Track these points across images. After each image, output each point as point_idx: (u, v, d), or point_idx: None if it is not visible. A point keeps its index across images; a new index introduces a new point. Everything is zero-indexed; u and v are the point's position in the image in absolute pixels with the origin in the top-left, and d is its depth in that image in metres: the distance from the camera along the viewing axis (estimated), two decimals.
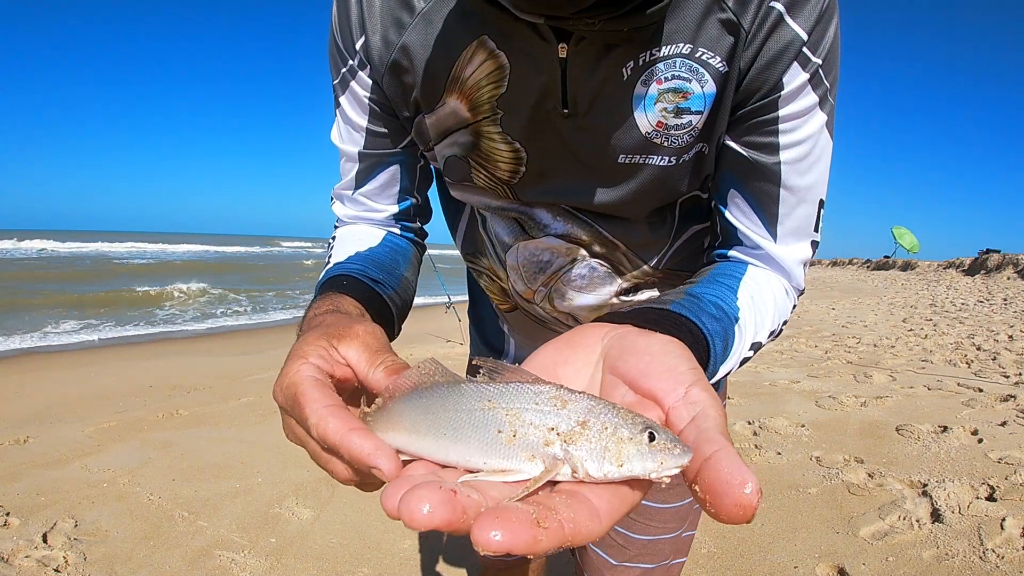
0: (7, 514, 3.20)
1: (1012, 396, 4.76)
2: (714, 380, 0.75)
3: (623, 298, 1.10)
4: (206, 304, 15.24)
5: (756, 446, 3.97)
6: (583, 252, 1.06)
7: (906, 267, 29.77)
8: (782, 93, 0.85)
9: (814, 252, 0.96)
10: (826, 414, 4.63)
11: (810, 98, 0.86)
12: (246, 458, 4.04)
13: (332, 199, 1.14)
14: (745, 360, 0.86)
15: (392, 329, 0.94)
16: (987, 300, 13.81)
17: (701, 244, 1.09)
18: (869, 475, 3.40)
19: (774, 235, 0.92)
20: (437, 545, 2.96)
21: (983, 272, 22.12)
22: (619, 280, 1.09)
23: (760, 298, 0.89)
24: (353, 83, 0.99)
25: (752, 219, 0.93)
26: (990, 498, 3.03)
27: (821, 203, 0.93)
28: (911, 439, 3.91)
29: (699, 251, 1.09)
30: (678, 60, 0.84)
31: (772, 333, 0.91)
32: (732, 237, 0.96)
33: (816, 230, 0.94)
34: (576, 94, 0.87)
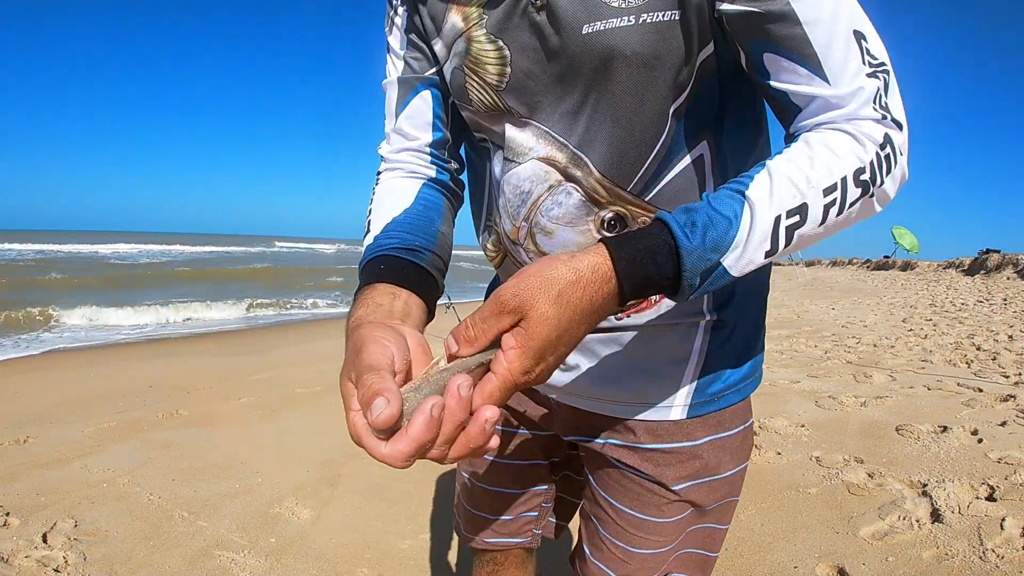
0: (7, 514, 3.20)
1: (1012, 396, 4.75)
2: (727, 256, 0.78)
3: (604, 232, 0.99)
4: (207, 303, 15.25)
5: (756, 446, 3.97)
6: (559, 177, 0.99)
7: (906, 267, 29.74)
8: None
9: (884, 83, 0.86)
10: (826, 414, 4.63)
11: None
12: (246, 458, 4.04)
13: (380, 145, 1.18)
14: (813, 216, 0.81)
15: (435, 291, 0.99)
16: (987, 300, 13.80)
17: (702, 180, 1.00)
18: (869, 475, 3.40)
19: (824, 77, 0.85)
20: (438, 545, 2.96)
21: (983, 272, 22.10)
22: (596, 210, 0.99)
23: (790, 161, 0.83)
24: (395, 18, 1.11)
25: (796, 72, 0.86)
26: (990, 498, 3.03)
27: (859, 35, 0.85)
28: (911, 439, 3.91)
29: (688, 182, 0.99)
30: None
31: (845, 181, 0.82)
32: (790, 108, 0.89)
33: (865, 62, 0.85)
34: None
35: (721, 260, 0.78)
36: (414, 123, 1.12)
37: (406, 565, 2.79)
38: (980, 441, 3.78)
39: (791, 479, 3.46)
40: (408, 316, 0.88)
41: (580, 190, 0.98)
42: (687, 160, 0.97)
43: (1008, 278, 19.67)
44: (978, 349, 7.30)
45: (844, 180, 0.81)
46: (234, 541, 2.98)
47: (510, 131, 1.01)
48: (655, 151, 0.95)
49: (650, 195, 0.97)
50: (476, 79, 1.01)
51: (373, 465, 3.90)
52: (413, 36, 1.09)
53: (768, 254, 0.80)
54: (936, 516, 2.88)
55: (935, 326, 9.55)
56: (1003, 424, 4.09)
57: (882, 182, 0.84)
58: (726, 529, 1.22)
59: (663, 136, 0.94)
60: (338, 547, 2.94)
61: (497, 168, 1.06)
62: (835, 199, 0.81)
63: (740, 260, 0.79)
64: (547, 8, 0.90)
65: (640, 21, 0.87)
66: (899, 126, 0.85)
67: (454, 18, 1.00)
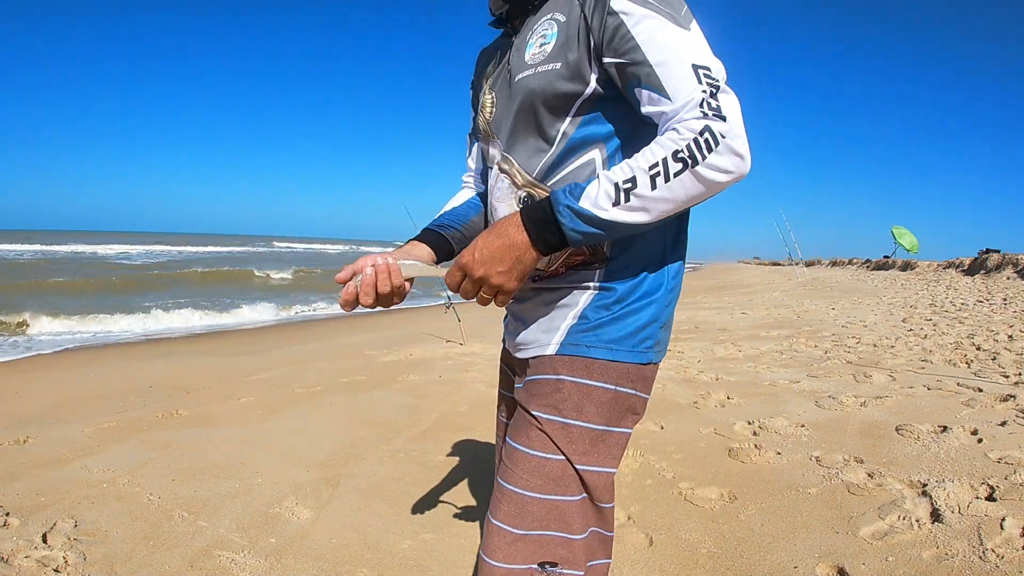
0: (7, 514, 3.20)
1: (1012, 396, 4.75)
2: (588, 203, 1.19)
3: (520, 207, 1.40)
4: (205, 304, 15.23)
5: (756, 446, 3.97)
6: (499, 172, 1.49)
7: (906, 267, 29.75)
8: (612, 10, 1.24)
9: (712, 92, 1.18)
10: (826, 414, 4.63)
11: (637, 8, 1.23)
12: (246, 458, 4.04)
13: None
14: (634, 180, 1.17)
15: (447, 248, 1.60)
16: (987, 300, 13.80)
17: (585, 170, 1.36)
18: (869, 475, 3.40)
19: (668, 97, 1.20)
20: (438, 545, 2.96)
21: (983, 272, 22.10)
22: (516, 191, 1.43)
23: (633, 157, 1.20)
24: (470, 91, 1.74)
25: (653, 98, 1.23)
26: (990, 498, 3.03)
27: (695, 66, 1.19)
28: (911, 439, 3.91)
29: (582, 174, 1.36)
30: (544, 20, 1.38)
31: (666, 160, 1.16)
32: (655, 123, 1.25)
33: (701, 82, 1.18)
34: (512, 58, 1.44)
35: (579, 203, 1.18)
36: (474, 160, 1.79)
37: (406, 565, 2.79)
38: (980, 441, 3.78)
39: (791, 479, 3.46)
40: (406, 252, 1.51)
41: (509, 179, 1.45)
42: (579, 161, 1.35)
43: (1008, 278, 19.67)
44: (978, 349, 7.29)
45: (664, 159, 1.15)
46: (234, 541, 2.97)
47: (491, 150, 1.54)
48: (549, 154, 1.37)
49: (550, 182, 1.38)
50: (481, 117, 1.56)
51: (373, 465, 3.90)
52: (474, 102, 1.69)
53: (614, 203, 1.17)
54: (936, 516, 2.88)
55: (935, 326, 9.55)
56: (1003, 424, 4.09)
57: (704, 157, 1.14)
58: (602, 509, 1.40)
59: (554, 144, 1.37)
60: (338, 547, 2.94)
61: (488, 175, 1.58)
62: (658, 171, 1.15)
63: (595, 204, 1.17)
64: (512, 71, 1.43)
65: (536, 71, 1.35)
66: (723, 118, 1.15)
67: (485, 86, 1.56)
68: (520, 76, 1.38)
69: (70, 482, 3.66)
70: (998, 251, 23.82)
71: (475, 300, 1.29)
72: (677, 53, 1.21)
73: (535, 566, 1.31)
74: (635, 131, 1.33)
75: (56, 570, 2.70)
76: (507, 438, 1.44)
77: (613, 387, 1.37)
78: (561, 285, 1.41)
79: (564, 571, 1.33)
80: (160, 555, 2.85)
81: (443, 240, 1.60)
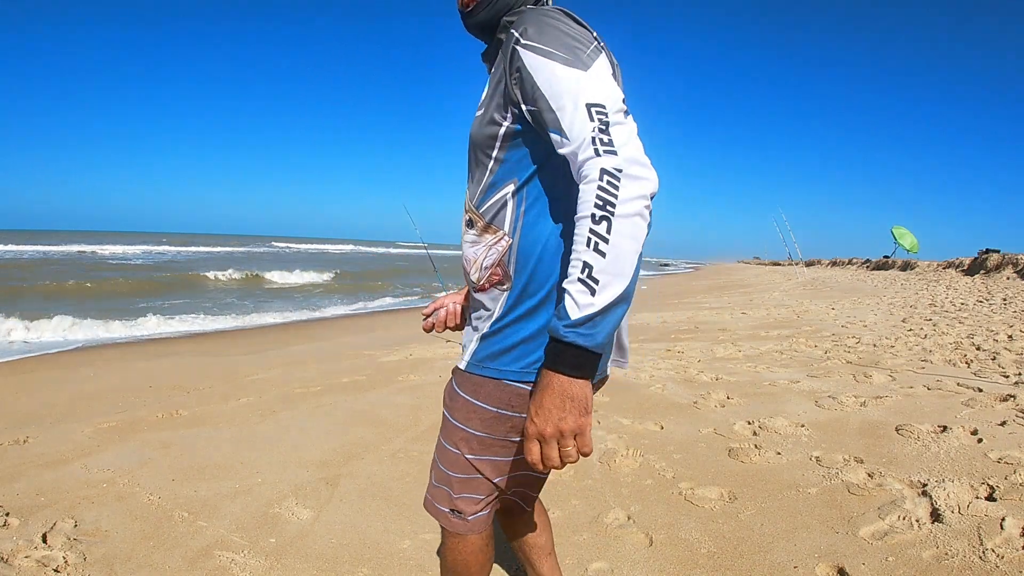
0: (7, 514, 3.20)
1: (1012, 396, 4.75)
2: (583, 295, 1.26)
3: (466, 228, 1.62)
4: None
5: (756, 446, 3.97)
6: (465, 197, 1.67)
7: (906, 267, 29.77)
8: (521, 65, 1.39)
9: (603, 127, 1.29)
10: (826, 414, 4.63)
11: (539, 60, 1.36)
12: (246, 458, 4.04)
13: None
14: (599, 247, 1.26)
15: None
16: (987, 300, 13.80)
17: (508, 203, 1.53)
18: (869, 475, 3.40)
19: (568, 138, 1.31)
20: (437, 545, 2.95)
21: (983, 272, 22.11)
22: (464, 213, 1.63)
23: (573, 244, 1.30)
24: None
25: (560, 139, 1.34)
26: (990, 498, 3.03)
27: (589, 105, 1.31)
28: (911, 439, 3.92)
29: (495, 208, 1.54)
30: (490, 73, 1.60)
31: (592, 229, 1.24)
32: (568, 161, 1.35)
33: (593, 119, 1.29)
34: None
35: (572, 318, 1.25)
36: None
37: (407, 565, 2.79)
38: (980, 441, 3.78)
39: (791, 479, 3.46)
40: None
41: (465, 200, 1.64)
42: (505, 191, 1.51)
43: (1008, 278, 19.69)
44: (978, 349, 7.30)
45: (591, 229, 1.24)
46: (234, 541, 2.97)
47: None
48: (483, 184, 1.55)
49: (482, 209, 1.55)
50: None
51: (373, 465, 3.90)
52: None
53: (592, 293, 1.24)
54: (936, 516, 2.88)
55: (935, 326, 9.55)
56: (1003, 424, 4.09)
57: (615, 200, 1.23)
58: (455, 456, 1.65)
59: (486, 176, 1.54)
60: (338, 547, 2.94)
61: None
62: (595, 242, 1.23)
63: (582, 308, 1.24)
64: None
65: (475, 116, 1.57)
66: (614, 152, 1.26)
67: None
68: (472, 121, 1.60)
69: (70, 482, 3.66)
70: (998, 251, 23.83)
71: (569, 462, 1.35)
72: (573, 95, 1.32)
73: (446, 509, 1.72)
74: (548, 159, 1.48)
75: (56, 570, 2.70)
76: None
77: (496, 410, 1.55)
78: (482, 299, 1.59)
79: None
80: (160, 555, 2.85)
81: None
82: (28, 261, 31.27)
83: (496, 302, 1.53)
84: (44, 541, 2.94)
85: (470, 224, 1.59)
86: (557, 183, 1.49)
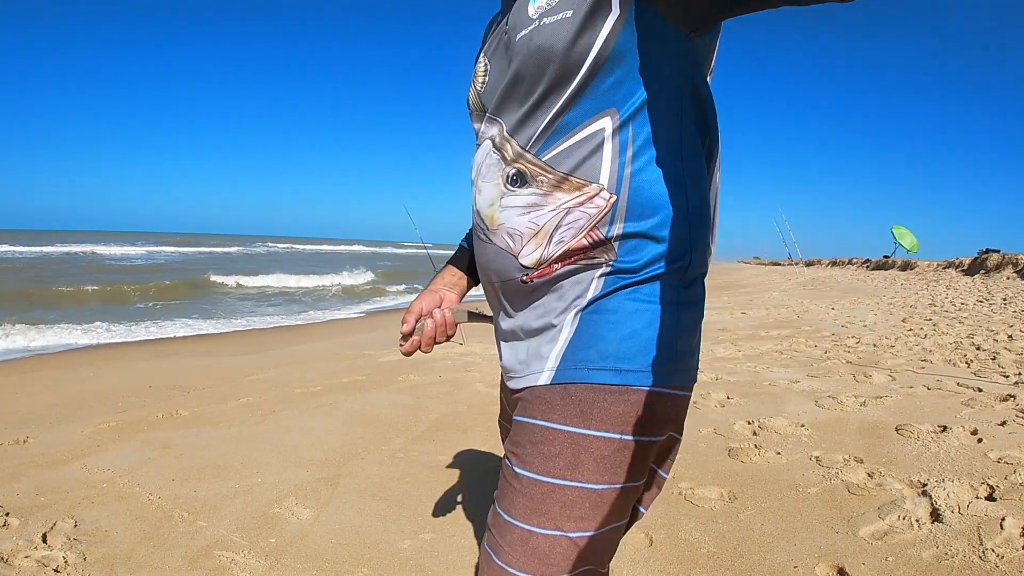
0: (7, 514, 3.20)
1: (1012, 396, 4.75)
2: None
3: (509, 187, 1.18)
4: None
5: (756, 446, 3.97)
6: (489, 146, 1.24)
7: (906, 267, 29.75)
8: None
9: None
10: (826, 414, 4.63)
11: None
12: (246, 458, 4.04)
13: None
14: None
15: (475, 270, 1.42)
16: (987, 300, 13.80)
17: (599, 151, 1.12)
18: (869, 475, 3.40)
19: None
20: (438, 545, 2.96)
21: (983, 272, 22.10)
22: (505, 167, 1.19)
23: None
24: None
25: None
26: (990, 498, 3.03)
27: None
28: (911, 439, 3.92)
29: (586, 147, 1.12)
30: None
31: None
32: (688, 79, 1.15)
33: None
34: (512, 18, 1.21)
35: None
36: None
37: (406, 565, 2.79)
38: (980, 441, 3.78)
39: (791, 479, 3.46)
40: (453, 286, 1.50)
41: (497, 151, 1.21)
42: (596, 127, 1.11)
43: (1008, 278, 19.69)
44: (978, 349, 7.30)
45: None
46: (234, 541, 2.97)
47: (481, 126, 1.29)
48: (548, 120, 1.13)
49: (546, 157, 1.14)
50: (472, 88, 1.34)
51: (373, 465, 3.90)
52: None
53: None
54: (936, 516, 2.88)
55: (935, 326, 9.55)
56: (1003, 424, 4.09)
57: None
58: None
59: (557, 108, 1.12)
60: (338, 547, 2.94)
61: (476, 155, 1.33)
62: None
63: None
64: (509, 31, 1.21)
65: (541, 24, 1.12)
66: None
67: (481, 54, 1.34)
68: (521, 34, 1.16)
69: (70, 482, 3.66)
70: (998, 251, 23.83)
71: None
72: None
73: None
74: (659, 107, 1.12)
75: (56, 570, 2.70)
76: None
77: (618, 436, 1.10)
78: (546, 293, 1.19)
79: None
80: (160, 555, 2.85)
81: (472, 262, 1.44)
82: (28, 262, 31.23)
83: (592, 278, 1.13)
84: (44, 541, 2.94)
85: (519, 180, 1.17)
86: (681, 111, 1.14)
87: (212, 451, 4.20)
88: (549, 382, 1.14)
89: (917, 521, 2.86)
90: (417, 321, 1.42)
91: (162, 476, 3.75)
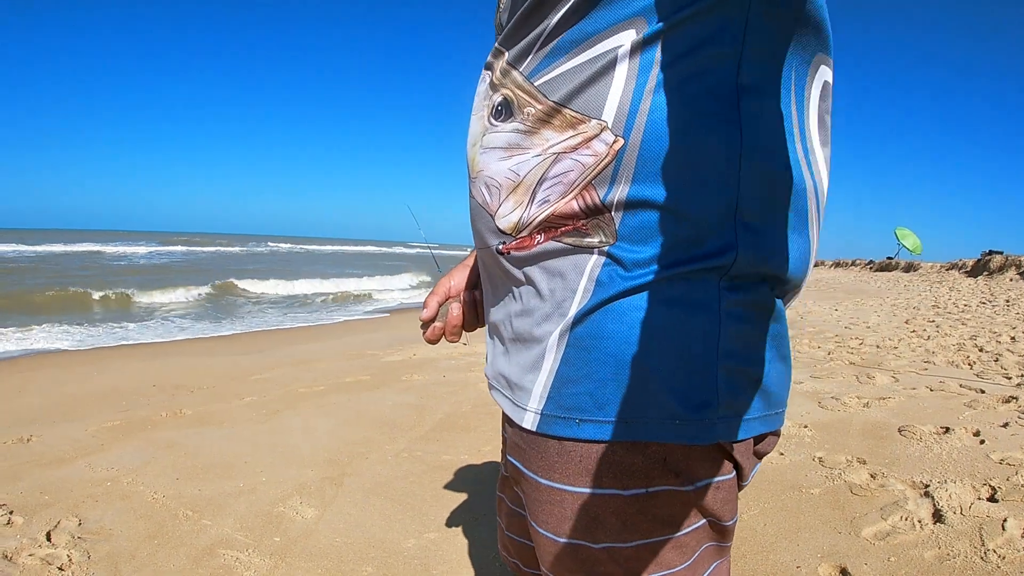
0: (11, 513, 3.21)
1: (1014, 398, 4.75)
2: None
3: (492, 121, 0.88)
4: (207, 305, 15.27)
5: None
6: (487, 72, 0.92)
7: (909, 268, 29.76)
8: None
9: None
10: (829, 415, 4.63)
11: None
12: (250, 457, 4.05)
13: None
14: None
15: None
16: (990, 302, 13.80)
17: (608, 78, 0.77)
18: (871, 476, 3.41)
19: None
20: (442, 544, 2.96)
21: (986, 274, 22.11)
22: (492, 94, 0.88)
23: None
24: None
25: None
26: (992, 499, 3.03)
27: None
28: (913, 440, 3.92)
29: (582, 76, 0.78)
30: None
31: None
32: None
33: None
34: None
35: None
36: None
37: (411, 564, 2.80)
38: (982, 442, 3.78)
39: (794, 479, 3.46)
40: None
41: (490, 74, 0.90)
42: (593, 50, 0.77)
43: (1011, 279, 19.69)
44: (980, 350, 7.29)
45: None
46: (238, 540, 2.98)
47: (488, 58, 0.93)
48: (547, 31, 0.80)
49: (540, 80, 0.81)
50: (496, 17, 0.97)
51: (377, 464, 3.91)
52: None
53: None
54: (938, 516, 2.89)
55: (938, 327, 9.54)
56: (1005, 425, 4.09)
57: None
58: None
59: (559, 15, 0.78)
60: (342, 546, 2.94)
61: None
62: None
63: None
64: None
65: None
66: None
67: None
68: None
69: (74, 481, 3.67)
70: (1001, 253, 23.83)
71: None
72: None
73: None
74: (703, 17, 0.73)
75: (60, 568, 2.71)
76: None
77: (642, 490, 0.82)
78: (533, 272, 0.86)
79: None
80: (164, 554, 2.86)
81: None
82: (34, 262, 31.26)
83: (580, 272, 0.81)
84: (48, 539, 2.95)
85: (503, 111, 0.86)
86: (747, 24, 0.74)
87: (216, 450, 4.20)
88: (535, 428, 0.86)
89: (919, 522, 2.87)
90: (441, 305, 1.14)
91: (166, 475, 3.76)
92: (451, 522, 3.19)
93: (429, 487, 3.58)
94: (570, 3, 0.77)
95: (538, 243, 0.83)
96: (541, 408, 0.84)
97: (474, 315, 1.13)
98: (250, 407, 5.34)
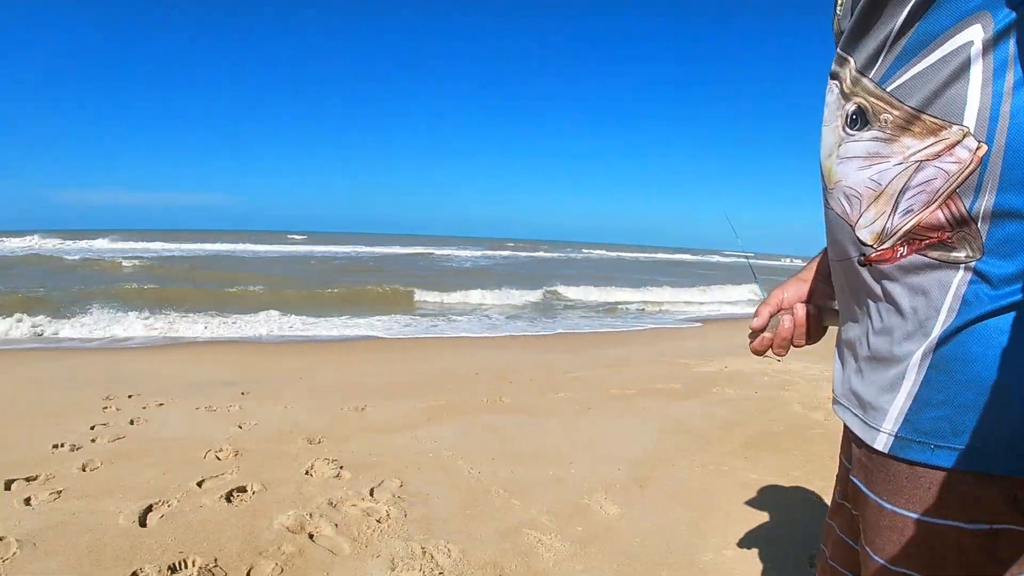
0: (340, 467, 3.55)
1: None
2: None
3: (847, 131, 0.85)
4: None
5: None
6: (829, 80, 0.91)
7: None
8: None
9: None
10: None
11: None
12: (561, 449, 4.13)
13: None
14: None
15: None
16: None
17: (949, 64, 0.74)
18: None
19: None
20: (738, 565, 2.79)
21: None
22: (844, 103, 0.86)
23: None
24: None
25: None
26: None
27: None
28: None
29: (937, 80, 0.75)
30: None
31: None
32: None
33: None
34: None
35: None
36: None
37: None
38: None
39: None
40: (822, 273, 1.13)
41: (838, 87, 0.88)
42: (942, 50, 0.74)
43: None
44: None
45: None
46: (543, 523, 3.03)
47: (832, 67, 0.92)
48: (893, 34, 0.78)
49: (892, 85, 0.79)
50: (835, 23, 0.94)
51: (683, 473, 3.81)
52: None
53: None
54: None
55: None
56: None
57: None
58: None
59: (902, 16, 0.77)
60: (640, 547, 2.88)
61: None
62: None
63: None
64: None
65: None
66: None
67: None
68: None
69: (400, 448, 3.96)
70: None
71: None
72: None
73: None
74: None
75: (378, 521, 2.94)
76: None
77: (989, 525, 0.77)
78: (893, 288, 0.83)
79: None
80: (475, 524, 2.98)
81: None
82: (373, 261, 34.28)
83: (945, 290, 0.77)
84: (371, 495, 3.23)
85: (859, 119, 0.84)
86: None
87: (530, 438, 4.34)
88: (887, 450, 0.83)
89: None
90: (773, 316, 1.12)
91: (483, 454, 3.95)
92: (750, 543, 3.01)
93: (734, 504, 3.42)
94: (909, 6, 0.75)
95: (901, 256, 0.80)
96: (896, 430, 0.82)
97: (801, 333, 1.10)
98: (564, 402, 5.46)
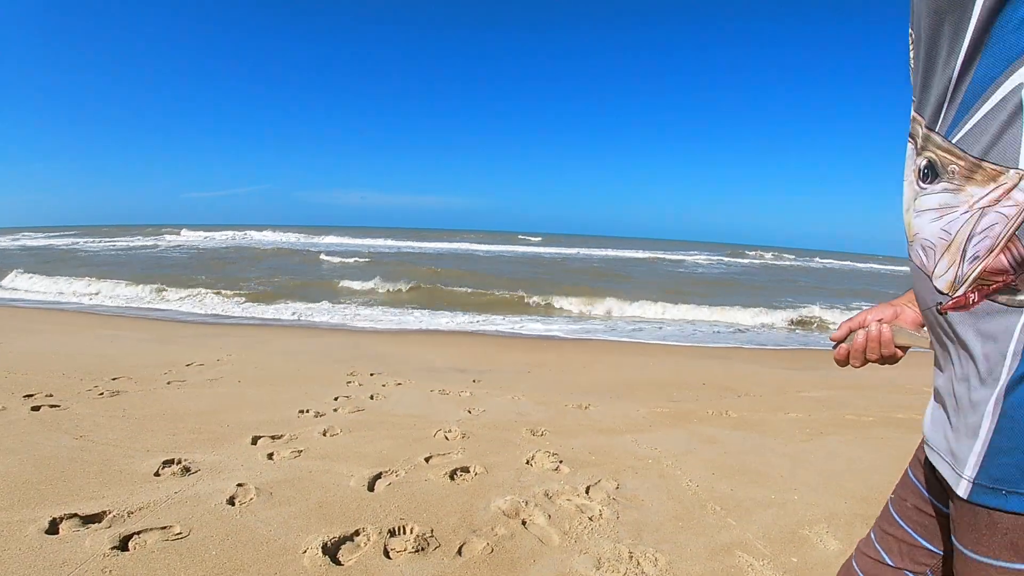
0: (560, 462, 3.58)
1: None
2: None
3: (921, 184, 0.89)
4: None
5: None
6: (911, 140, 0.94)
7: None
8: None
9: None
10: None
11: None
12: (786, 472, 3.94)
13: None
14: None
15: None
16: None
17: (1004, 109, 0.76)
18: None
19: None
20: None
21: None
22: (916, 157, 0.91)
23: None
24: None
25: None
26: None
27: None
28: None
29: (993, 127, 0.77)
30: None
31: None
32: None
33: None
34: None
35: None
36: None
37: None
38: None
39: None
40: (912, 301, 1.14)
41: (912, 143, 0.93)
42: (995, 97, 0.76)
43: None
44: None
45: None
46: (757, 547, 2.90)
47: (911, 126, 0.95)
48: (951, 86, 0.81)
49: (957, 136, 0.82)
50: (911, 73, 0.96)
51: None
52: None
53: None
54: None
55: None
56: None
57: None
58: None
59: (956, 67, 0.80)
60: None
61: None
62: None
63: None
64: None
65: None
66: None
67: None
68: None
69: (619, 450, 3.94)
70: None
71: None
72: None
73: None
74: None
75: (590, 519, 2.94)
76: None
77: None
78: (965, 332, 0.86)
79: None
80: (685, 536, 2.90)
81: None
82: (618, 265, 34.35)
83: (1011, 335, 0.79)
84: (587, 492, 3.23)
85: (929, 173, 0.88)
86: None
87: (754, 456, 4.17)
88: (967, 497, 0.85)
89: None
90: (853, 331, 1.19)
91: (703, 467, 3.84)
92: None
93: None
94: (963, 54, 0.78)
95: (972, 302, 0.83)
96: (974, 477, 0.84)
97: (875, 348, 1.15)
98: (794, 423, 5.21)
